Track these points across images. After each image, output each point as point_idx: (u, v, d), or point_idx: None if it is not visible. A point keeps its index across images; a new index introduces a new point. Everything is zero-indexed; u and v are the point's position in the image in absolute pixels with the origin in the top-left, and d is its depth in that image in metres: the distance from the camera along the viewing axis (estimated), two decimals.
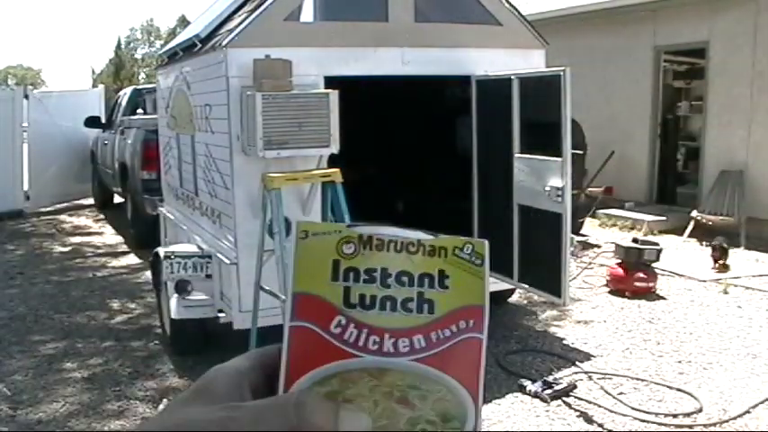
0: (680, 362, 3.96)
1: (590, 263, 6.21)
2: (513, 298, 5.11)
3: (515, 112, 3.78)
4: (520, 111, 3.77)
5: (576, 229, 7.26)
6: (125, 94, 9.01)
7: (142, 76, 30.85)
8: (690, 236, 7.22)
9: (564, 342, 4.36)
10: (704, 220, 7.22)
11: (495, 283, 4.19)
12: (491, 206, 4.15)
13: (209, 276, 3.89)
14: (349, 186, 3.36)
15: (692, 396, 3.46)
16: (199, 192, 4.40)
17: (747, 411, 3.28)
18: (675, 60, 9.04)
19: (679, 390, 3.55)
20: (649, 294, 5.27)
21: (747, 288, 5.41)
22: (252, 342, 3.42)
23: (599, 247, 7.02)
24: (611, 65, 8.70)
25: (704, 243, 6.85)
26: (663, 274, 5.61)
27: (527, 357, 4.07)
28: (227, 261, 3.67)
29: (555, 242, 3.56)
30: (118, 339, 4.49)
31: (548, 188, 3.57)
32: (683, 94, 9.44)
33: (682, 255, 6.49)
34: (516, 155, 3.82)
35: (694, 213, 7.32)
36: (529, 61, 4.03)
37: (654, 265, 5.40)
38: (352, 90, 3.64)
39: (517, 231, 3.87)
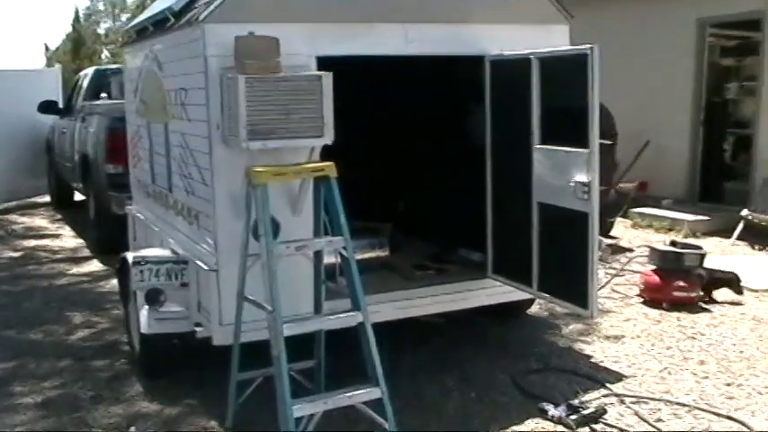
0: (728, 385, 3.97)
1: (621, 269, 6.25)
2: (533, 309, 5.15)
3: (535, 97, 3.80)
4: (540, 95, 3.78)
5: (605, 231, 7.30)
6: (86, 75, 9.02)
7: (106, 54, 30.86)
8: (739, 238, 7.24)
9: (591, 360, 4.39)
10: (756, 221, 7.21)
11: (512, 293, 4.25)
12: (507, 204, 4.17)
13: (184, 285, 3.92)
14: (345, 183, 3.38)
15: (743, 425, 3.47)
16: (173, 188, 4.42)
17: None
18: (723, 35, 8.81)
19: (728, 417, 3.55)
20: (691, 306, 5.29)
21: None
22: (234, 360, 3.45)
23: (631, 250, 7.07)
24: (646, 41, 8.70)
25: (756, 247, 6.86)
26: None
27: (549, 378, 4.11)
28: (206, 267, 3.70)
29: (580, 245, 3.58)
30: (78, 358, 4.51)
31: (572, 184, 3.59)
32: (731, 74, 9.11)
33: (729, 260, 6.50)
34: (536, 146, 3.83)
35: (744, 212, 7.32)
36: (550, 38, 4.05)
37: (697, 272, 5.40)
38: (348, 72, 3.64)
39: (537, 233, 3.89)
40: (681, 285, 5.31)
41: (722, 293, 5.51)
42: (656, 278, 5.41)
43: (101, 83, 8.35)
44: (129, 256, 4.10)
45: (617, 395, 3.81)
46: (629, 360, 4.38)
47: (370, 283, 3.84)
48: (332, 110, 3.42)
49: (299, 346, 3.35)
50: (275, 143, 3.36)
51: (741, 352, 4.45)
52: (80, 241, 8.01)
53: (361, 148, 5.13)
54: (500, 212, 4.25)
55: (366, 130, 5.43)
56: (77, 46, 29.76)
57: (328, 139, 3.45)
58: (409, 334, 4.57)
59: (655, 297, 5.38)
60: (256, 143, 3.30)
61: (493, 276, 4.28)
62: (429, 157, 5.41)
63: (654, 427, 3.46)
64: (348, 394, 3.14)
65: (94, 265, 6.93)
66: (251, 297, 3.29)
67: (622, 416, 3.57)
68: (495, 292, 4.32)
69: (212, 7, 3.54)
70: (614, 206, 7.54)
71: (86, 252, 7.50)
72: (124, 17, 32.15)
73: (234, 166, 3.48)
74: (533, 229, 3.91)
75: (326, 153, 3.58)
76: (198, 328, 3.83)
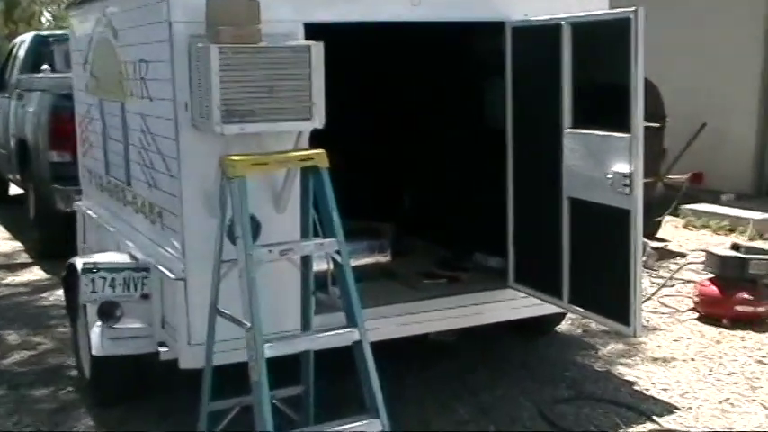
0: None
1: (670, 278, 6.29)
2: (563, 325, 5.20)
3: (566, 72, 3.83)
4: (573, 69, 3.81)
5: (652, 232, 7.33)
6: (23, 42, 8.98)
7: (47, 17, 30.77)
8: None
9: (635, 387, 4.43)
10: None
11: (538, 306, 4.29)
12: (531, 200, 4.20)
13: (145, 297, 3.96)
14: (338, 175, 3.42)
15: None
16: (132, 181, 4.46)
17: None
18: None
19: None
20: (758, 322, 5.30)
21: None
22: (205, 387, 3.48)
23: (684, 256, 7.10)
24: (704, 4, 8.67)
25: None
26: None
27: (583, 408, 4.14)
28: (172, 276, 3.73)
29: (621, 249, 3.61)
30: (13, 386, 4.53)
31: (610, 175, 3.62)
32: None
33: None
34: (567, 130, 3.86)
35: None
36: (585, 2, 4.06)
37: (764, 281, 5.42)
38: (342, 43, 3.67)
39: (567, 235, 3.92)
40: (745, 298, 5.31)
41: None
42: (714, 289, 5.42)
43: (41, 52, 8.27)
44: (78, 262, 4.12)
45: (667, 431, 3.84)
46: (682, 388, 4.41)
47: (368, 293, 3.86)
48: (323, 87, 3.44)
49: (284, 369, 3.36)
50: (255, 127, 3.38)
51: None
52: (16, 244, 8.02)
53: (358, 134, 5.17)
54: (523, 210, 4.27)
55: (364, 113, 5.47)
56: (10, 6, 29.65)
57: (318, 122, 3.46)
58: (415, 355, 4.62)
59: (713, 312, 5.39)
60: (232, 127, 3.32)
61: (515, 286, 4.32)
62: (439, 145, 5.43)
63: None
64: (342, 427, 3.17)
65: (35, 274, 6.94)
66: (226, 311, 3.32)
67: None
68: (517, 304, 4.35)
69: None
70: (662, 202, 7.54)
71: (24, 257, 7.51)
72: None
73: (205, 154, 3.50)
74: (563, 229, 3.92)
75: (316, 139, 3.60)
76: (162, 349, 3.85)
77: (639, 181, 3.55)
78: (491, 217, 4.49)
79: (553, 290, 4.02)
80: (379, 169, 5.70)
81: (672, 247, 7.46)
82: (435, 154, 5.49)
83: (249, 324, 3.06)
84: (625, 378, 4.57)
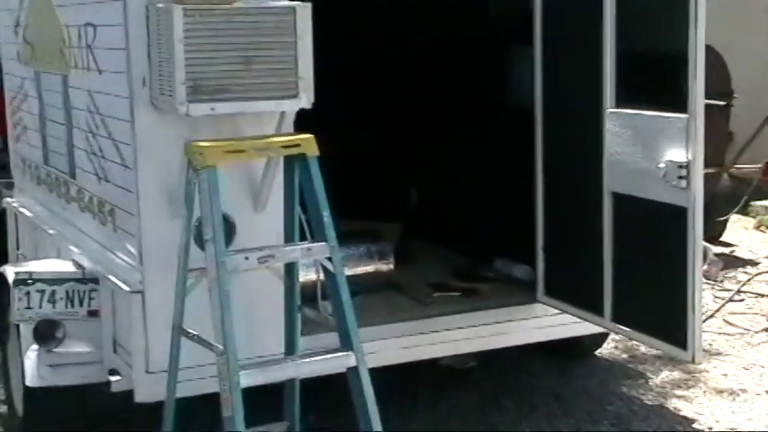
0: None
1: (738, 291, 6.29)
2: (605, 348, 5.20)
3: (609, 37, 3.82)
4: (617, 34, 3.80)
5: (715, 235, 7.30)
6: None
7: None
8: None
9: (694, 426, 4.43)
10: None
11: (573, 325, 4.30)
12: (566, 196, 4.20)
13: (93, 314, 3.95)
14: (330, 164, 3.41)
15: None
16: (77, 172, 4.45)
17: None
18: None
19: None
20: None
21: None
22: (166, 423, 3.48)
23: (754, 264, 7.07)
24: None
25: None
26: None
27: None
28: (127, 288, 3.72)
29: (676, 256, 3.60)
30: None
31: (663, 164, 3.61)
32: None
33: None
34: (609, 109, 3.85)
35: None
36: None
37: None
38: (334, 5, 3.68)
39: (610, 238, 3.91)
40: None
41: None
42: None
43: None
44: (9, 271, 4.11)
45: None
46: (754, 425, 4.41)
47: (367, 309, 3.87)
48: (311, 59, 3.44)
49: (265, 401, 3.35)
50: (228, 106, 3.37)
51: None
52: None
53: (354, 116, 5.17)
54: (556, 208, 4.26)
55: (361, 91, 5.48)
56: None
57: (306, 100, 3.46)
58: (424, 384, 4.62)
59: None
60: (200, 106, 3.31)
61: (545, 300, 4.33)
62: (452, 129, 5.41)
63: None
64: None
65: None
66: (192, 331, 3.32)
67: None
68: (548, 323, 4.36)
69: None
70: (728, 198, 7.51)
71: None
72: None
73: (167, 139, 3.50)
74: (605, 231, 3.91)
75: (304, 122, 3.60)
76: (113, 378, 3.82)
77: (699, 172, 3.53)
78: (516, 216, 4.49)
79: (592, 305, 4.02)
80: (381, 159, 5.70)
81: (740, 252, 7.43)
82: (448, 141, 5.48)
83: (221, 347, 3.06)
84: (682, 414, 4.57)
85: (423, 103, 5.58)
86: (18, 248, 5.50)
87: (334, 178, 3.45)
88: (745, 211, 8.10)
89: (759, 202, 8.28)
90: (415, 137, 5.69)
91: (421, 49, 5.50)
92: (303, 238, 3.46)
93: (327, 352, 3.34)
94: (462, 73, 5.30)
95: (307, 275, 3.71)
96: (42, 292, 3.92)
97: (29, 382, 3.93)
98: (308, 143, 3.37)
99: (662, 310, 3.73)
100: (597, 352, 5.14)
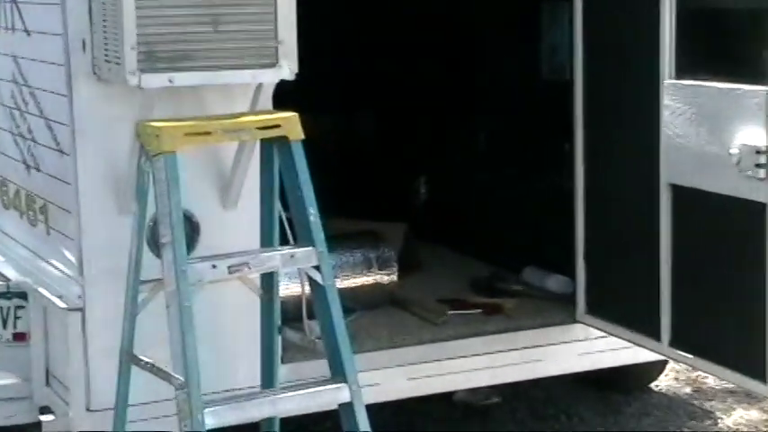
0: None
1: None
2: (663, 380, 5.19)
3: None
4: None
5: None
6: None
7: None
8: None
9: None
10: None
11: (622, 350, 4.30)
12: (613, 189, 4.19)
13: (19, 338, 3.94)
14: (319, 150, 3.41)
15: None
16: None
17: None
18: None
19: None
20: None
21: None
22: None
23: None
24: None
25: None
26: None
27: None
28: (63, 305, 3.70)
29: (752, 264, 3.57)
30: None
31: (736, 150, 3.56)
32: None
33: None
34: (668, 80, 3.82)
35: None
36: None
37: None
38: None
39: (668, 241, 3.90)
40: None
41: None
42: None
43: None
44: None
45: None
46: None
47: (364, 331, 3.89)
48: (294, 18, 3.44)
49: None
50: (190, 77, 3.36)
51: None
52: None
53: (349, 90, 5.14)
54: (600, 204, 4.25)
55: (358, 58, 5.49)
56: None
57: (288, 70, 3.46)
58: (435, 424, 4.60)
59: None
60: (156, 77, 3.30)
61: (587, 320, 4.31)
62: (469, 110, 5.40)
63: None
64: None
65: None
66: (145, 358, 3.31)
67: None
68: (591, 348, 4.36)
69: None
70: None
71: None
72: None
73: (114, 118, 3.50)
74: (662, 233, 3.90)
75: (285, 97, 3.59)
76: (45, 418, 3.83)
77: None
78: (550, 214, 4.50)
79: (646, 326, 4.00)
80: (381, 143, 5.72)
81: None
82: (464, 123, 5.46)
83: (181, 378, 3.04)
84: None
85: (433, 73, 5.56)
86: None
87: (324, 167, 3.45)
88: None
89: None
90: (423, 115, 5.68)
91: (433, 9, 5.49)
92: (285, 242, 3.45)
93: (314, 384, 3.33)
94: (484, 39, 5.30)
95: (289, 288, 3.71)
96: None
97: None
98: (291, 124, 3.35)
99: (734, 333, 3.70)
100: (653, 385, 5.12)
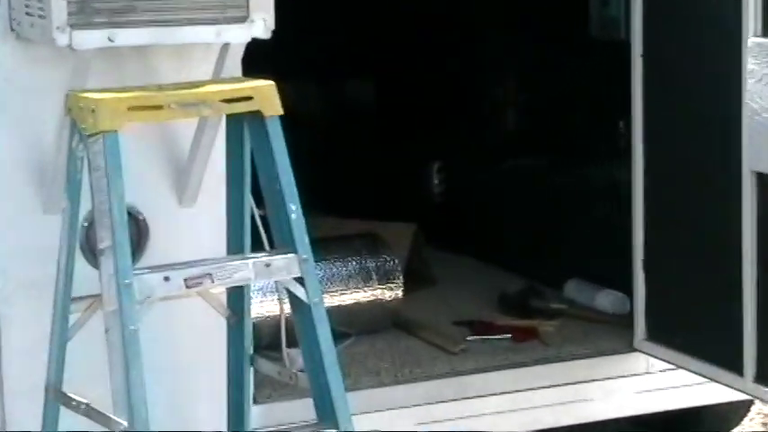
0: None
1: None
2: (749, 426, 5.22)
3: None
4: None
5: None
6: None
7: None
8: None
9: None
10: None
11: (694, 386, 4.30)
12: (679, 179, 4.20)
13: None
14: (306, 134, 3.49)
15: None
16: None
17: None
18: None
19: None
20: None
21: None
22: None
23: None
24: None
25: None
26: None
27: None
28: None
29: None
30: None
31: None
32: None
33: None
34: (752, 39, 3.81)
35: None
36: None
37: None
38: None
39: (753, 245, 3.88)
40: None
41: None
42: None
43: None
44: None
45: None
46: None
47: (361, 361, 3.91)
48: None
49: None
50: (136, 35, 3.35)
51: None
52: None
53: (343, 53, 5.24)
54: (664, 199, 4.28)
55: (356, 13, 5.53)
56: None
57: (261, 26, 3.45)
58: None
59: None
60: (91, 34, 3.28)
61: (648, 348, 4.31)
62: (495, 71, 5.46)
63: None
64: None
65: None
66: (78, 398, 3.27)
67: None
68: (653, 384, 4.37)
69: None
70: None
71: None
72: None
73: (38, 87, 3.49)
74: (744, 235, 3.90)
75: (252, 60, 3.58)
76: None
77: None
78: (599, 212, 4.54)
79: (725, 357, 3.98)
80: (383, 120, 5.76)
81: None
82: (489, 96, 5.54)
83: (124, 423, 3.02)
84: None
85: (449, 33, 5.63)
86: None
87: (309, 151, 3.41)
88: None
89: None
90: (437, 86, 5.73)
91: None
92: (258, 248, 3.43)
93: (296, 430, 3.36)
94: None
95: (264, 307, 3.76)
96: None
97: None
98: (266, 95, 3.32)
99: None
100: (739, 429, 5.08)
